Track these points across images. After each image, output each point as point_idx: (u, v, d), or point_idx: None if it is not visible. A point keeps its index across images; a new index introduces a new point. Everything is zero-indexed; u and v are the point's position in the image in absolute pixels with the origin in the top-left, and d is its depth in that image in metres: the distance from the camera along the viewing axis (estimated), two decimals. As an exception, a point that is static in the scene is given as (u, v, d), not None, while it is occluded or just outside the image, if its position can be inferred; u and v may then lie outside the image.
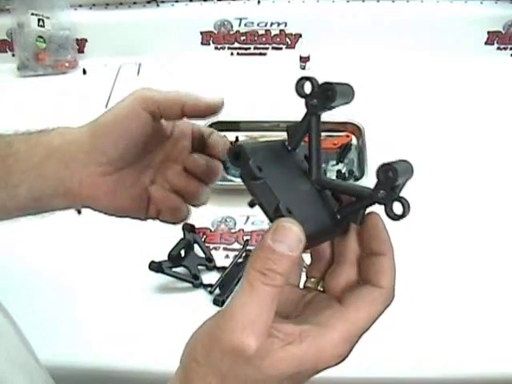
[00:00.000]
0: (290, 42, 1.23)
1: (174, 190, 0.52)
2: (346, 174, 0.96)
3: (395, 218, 0.39)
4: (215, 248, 0.86)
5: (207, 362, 0.36)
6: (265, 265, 0.35)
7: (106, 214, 0.52)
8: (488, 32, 1.19)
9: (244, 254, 0.84)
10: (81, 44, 1.24)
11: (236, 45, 1.24)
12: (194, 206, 0.53)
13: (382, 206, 0.39)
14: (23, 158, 0.49)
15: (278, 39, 1.23)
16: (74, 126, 0.51)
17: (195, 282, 0.81)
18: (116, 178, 0.49)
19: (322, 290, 0.42)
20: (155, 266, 0.80)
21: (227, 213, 0.91)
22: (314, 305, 0.40)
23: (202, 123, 0.53)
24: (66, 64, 1.23)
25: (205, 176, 0.52)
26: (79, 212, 0.93)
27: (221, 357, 0.35)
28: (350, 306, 0.38)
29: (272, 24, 1.21)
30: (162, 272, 0.81)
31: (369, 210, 0.40)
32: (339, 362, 0.38)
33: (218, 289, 0.80)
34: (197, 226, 0.87)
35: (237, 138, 1.01)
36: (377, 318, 0.38)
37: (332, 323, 0.37)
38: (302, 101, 0.42)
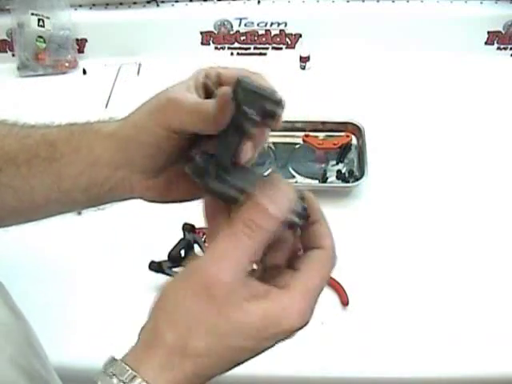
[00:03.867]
0: (290, 42, 1.23)
1: None
2: (346, 174, 0.96)
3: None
4: (215, 248, 0.86)
5: (176, 310, 0.38)
6: (248, 216, 0.38)
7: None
8: (488, 32, 1.18)
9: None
10: (81, 44, 1.24)
11: (236, 45, 1.24)
12: None
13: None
14: (69, 162, 0.48)
15: (278, 39, 1.22)
16: (110, 125, 0.50)
17: (195, 282, 0.81)
18: (166, 175, 0.47)
19: None
20: (155, 266, 0.80)
21: (227, 213, 0.91)
22: (269, 272, 0.43)
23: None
24: (66, 64, 1.23)
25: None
26: (79, 212, 0.93)
27: (190, 300, 0.37)
28: (303, 268, 0.41)
29: (272, 24, 1.21)
30: (162, 272, 0.81)
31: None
32: (303, 325, 0.40)
33: (217, 289, 0.80)
34: (197, 226, 0.87)
35: None
36: (327, 276, 0.42)
37: (290, 284, 0.40)
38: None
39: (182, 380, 0.37)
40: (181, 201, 0.50)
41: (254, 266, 0.41)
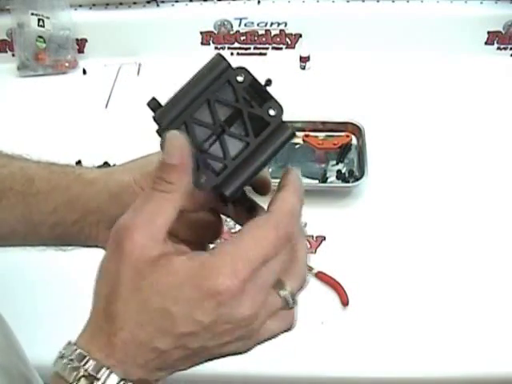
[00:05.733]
0: (290, 42, 1.23)
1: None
2: (346, 174, 0.96)
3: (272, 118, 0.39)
4: (215, 248, 0.86)
5: (102, 276, 0.37)
6: (156, 175, 0.36)
7: None
8: (488, 32, 1.18)
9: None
10: (81, 44, 1.24)
11: (236, 45, 1.24)
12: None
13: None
14: (43, 199, 0.49)
15: (278, 39, 1.22)
16: (93, 172, 0.50)
17: (195, 281, 0.81)
18: None
19: None
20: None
21: (227, 213, 0.91)
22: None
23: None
24: (66, 64, 1.23)
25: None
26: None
27: (109, 262, 0.36)
28: (238, 234, 0.37)
29: (272, 24, 1.21)
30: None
31: None
32: (237, 290, 0.34)
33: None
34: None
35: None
36: (265, 242, 0.36)
37: (220, 248, 0.36)
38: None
39: (110, 347, 0.35)
40: None
41: None
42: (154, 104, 0.39)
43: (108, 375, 0.35)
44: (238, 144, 0.39)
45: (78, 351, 0.35)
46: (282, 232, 0.36)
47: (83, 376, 0.35)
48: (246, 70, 0.40)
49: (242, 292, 0.35)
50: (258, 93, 0.39)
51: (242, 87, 0.39)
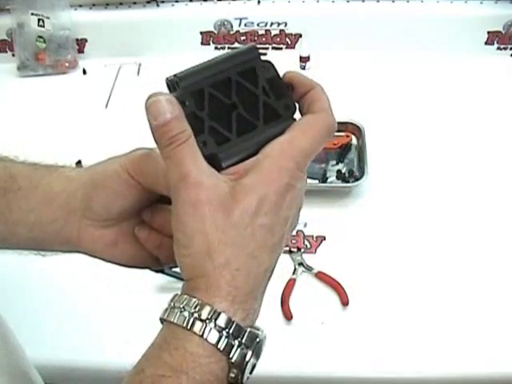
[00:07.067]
0: (290, 42, 1.23)
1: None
2: (346, 174, 0.96)
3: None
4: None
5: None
6: (163, 138, 0.38)
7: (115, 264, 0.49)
8: (488, 32, 1.18)
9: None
10: (81, 44, 1.24)
11: (236, 45, 1.24)
12: None
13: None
14: (23, 196, 0.48)
15: (278, 39, 1.23)
16: (75, 169, 0.49)
17: (195, 281, 0.81)
18: (116, 230, 0.47)
19: None
20: (155, 266, 0.80)
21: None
22: None
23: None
24: (66, 64, 1.23)
25: None
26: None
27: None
28: (287, 133, 0.40)
29: (272, 24, 1.21)
30: (162, 272, 0.81)
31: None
32: (294, 180, 0.39)
33: (218, 289, 0.80)
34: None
35: None
36: (318, 139, 0.40)
37: (272, 148, 0.39)
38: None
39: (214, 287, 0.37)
40: (121, 264, 0.48)
41: None
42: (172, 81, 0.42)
43: (217, 316, 0.36)
44: (246, 125, 0.41)
45: (192, 300, 0.37)
46: (329, 123, 0.40)
47: (197, 320, 0.36)
48: (273, 65, 0.42)
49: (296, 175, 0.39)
50: (278, 88, 0.42)
51: (264, 78, 0.42)
